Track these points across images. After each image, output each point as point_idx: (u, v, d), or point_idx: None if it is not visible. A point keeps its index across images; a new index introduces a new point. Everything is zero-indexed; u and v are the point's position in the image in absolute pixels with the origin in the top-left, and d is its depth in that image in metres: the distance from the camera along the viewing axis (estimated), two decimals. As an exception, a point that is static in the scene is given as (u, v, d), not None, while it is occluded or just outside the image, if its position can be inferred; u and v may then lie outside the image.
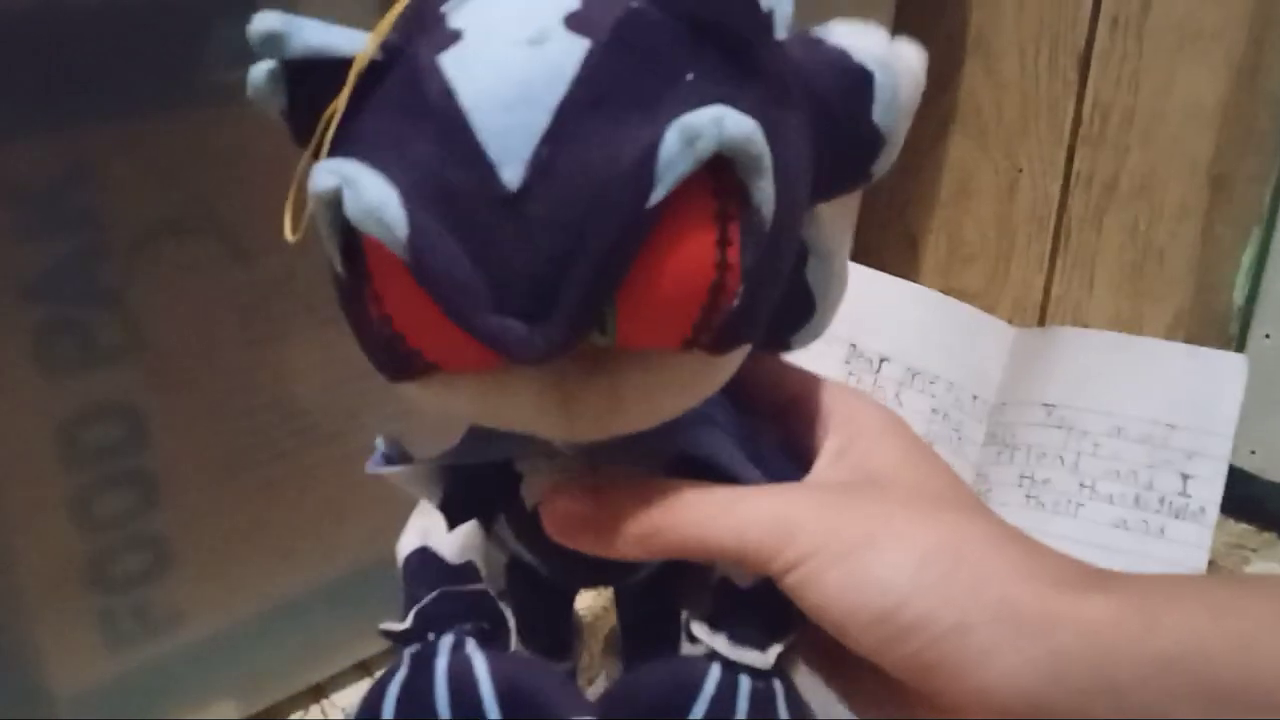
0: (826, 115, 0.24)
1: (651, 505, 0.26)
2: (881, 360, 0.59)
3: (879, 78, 0.25)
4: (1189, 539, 0.53)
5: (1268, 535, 0.61)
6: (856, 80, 0.25)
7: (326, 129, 0.22)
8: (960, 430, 0.59)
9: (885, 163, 0.27)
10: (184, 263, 0.39)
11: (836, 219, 0.28)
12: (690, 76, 0.21)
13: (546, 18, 0.21)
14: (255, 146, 0.39)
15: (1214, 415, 0.54)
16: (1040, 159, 0.67)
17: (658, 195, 0.20)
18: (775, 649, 0.26)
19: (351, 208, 0.21)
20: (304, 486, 0.45)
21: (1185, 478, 0.54)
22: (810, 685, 0.28)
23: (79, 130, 0.36)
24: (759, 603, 0.26)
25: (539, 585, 0.31)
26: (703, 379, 0.24)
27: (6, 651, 0.40)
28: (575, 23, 0.21)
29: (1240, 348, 0.62)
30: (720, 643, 0.26)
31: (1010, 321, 0.64)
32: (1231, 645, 0.23)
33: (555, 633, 0.33)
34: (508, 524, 0.30)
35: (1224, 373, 0.55)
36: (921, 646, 0.24)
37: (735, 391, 0.29)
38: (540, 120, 0.21)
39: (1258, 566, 0.59)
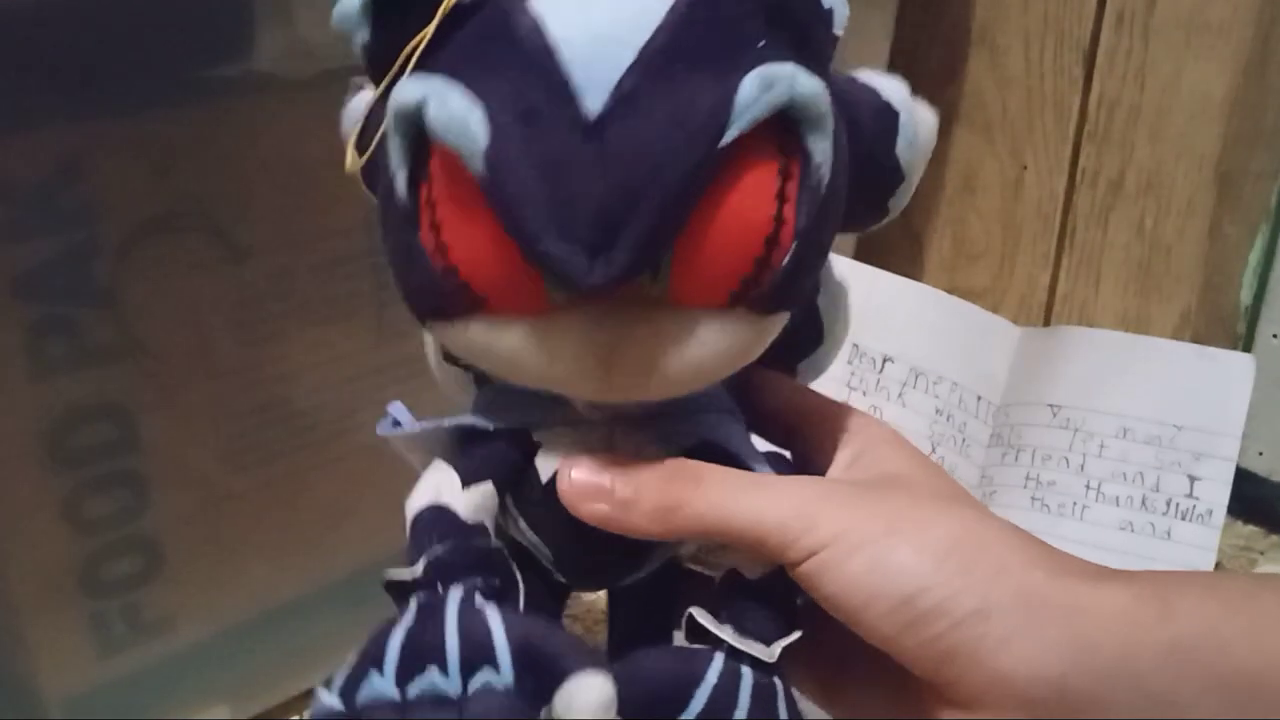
0: (859, 141, 0.26)
1: (672, 480, 0.26)
2: (885, 360, 0.59)
3: (903, 116, 0.27)
4: (1196, 541, 0.53)
5: (1275, 537, 0.61)
6: (885, 113, 0.27)
7: (409, 59, 0.23)
8: (964, 431, 0.59)
9: (901, 199, 0.29)
10: (177, 261, 0.39)
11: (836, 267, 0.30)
12: (762, 44, 0.23)
13: None
14: (249, 144, 0.39)
15: (1221, 416, 0.54)
16: (1045, 156, 0.67)
17: (730, 135, 0.21)
18: (780, 644, 0.26)
19: (436, 116, 0.22)
20: (298, 489, 0.45)
21: (1192, 479, 0.53)
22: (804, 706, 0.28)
23: (70, 127, 0.35)
24: (766, 596, 0.26)
25: (533, 583, 0.31)
26: (741, 343, 0.25)
27: (-3, 655, 0.40)
28: None
29: (1247, 347, 0.61)
30: (726, 633, 0.26)
31: (1015, 319, 0.63)
32: (1244, 634, 0.23)
33: None
34: (516, 504, 0.29)
35: (1231, 373, 0.55)
36: (942, 632, 0.24)
37: (745, 410, 0.29)
38: (625, 56, 0.22)
39: (1265, 569, 0.59)
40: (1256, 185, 0.60)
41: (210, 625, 0.44)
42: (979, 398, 0.59)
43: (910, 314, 0.60)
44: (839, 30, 0.25)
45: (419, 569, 0.26)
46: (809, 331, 0.31)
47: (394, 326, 0.45)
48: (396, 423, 0.29)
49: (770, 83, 0.22)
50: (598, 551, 0.28)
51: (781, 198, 0.23)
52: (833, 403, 0.30)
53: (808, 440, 0.30)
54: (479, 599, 0.25)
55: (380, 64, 0.24)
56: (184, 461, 0.41)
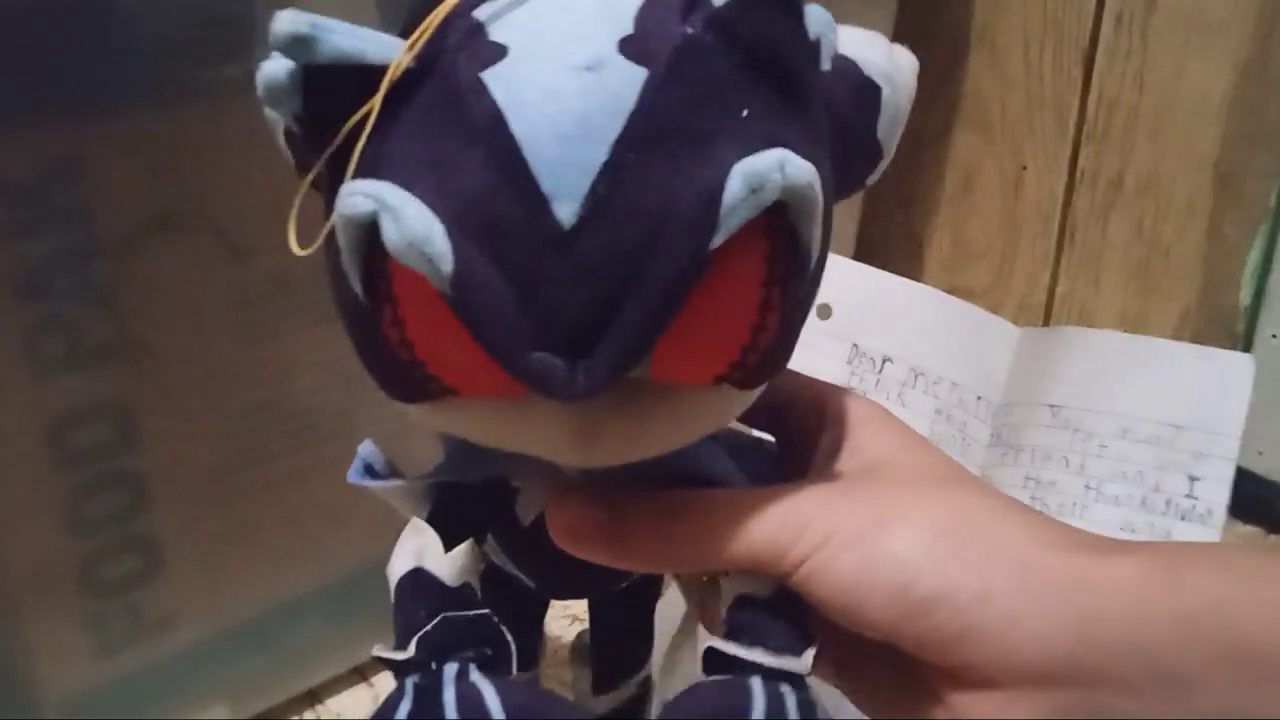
0: (839, 127, 0.25)
1: (664, 515, 0.26)
2: (884, 360, 0.59)
3: (885, 93, 0.26)
4: (1196, 541, 0.53)
5: (1275, 537, 0.61)
6: (867, 94, 0.25)
7: (353, 142, 0.21)
8: (964, 431, 0.59)
9: (878, 174, 0.27)
10: (175, 261, 0.39)
11: None
12: (746, 113, 0.21)
13: (601, 41, 0.20)
14: (248, 143, 0.39)
15: (1221, 416, 0.54)
16: (1045, 156, 0.67)
17: (718, 240, 0.20)
18: (809, 653, 0.26)
19: (392, 237, 0.20)
20: (298, 488, 0.45)
21: (1192, 479, 0.53)
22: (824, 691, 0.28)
23: (69, 126, 0.35)
24: (782, 610, 0.26)
25: (514, 595, 0.31)
26: (725, 411, 0.24)
27: (-3, 655, 0.40)
28: (631, 49, 0.20)
29: (1247, 347, 0.61)
30: (759, 655, 0.25)
31: (1015, 319, 0.63)
32: (1256, 608, 0.23)
33: (524, 644, 0.33)
34: (496, 539, 0.29)
35: (1231, 373, 0.55)
36: (945, 619, 0.24)
37: None
38: (598, 155, 0.20)
39: (1265, 569, 0.59)
40: (1256, 185, 0.60)
41: (210, 625, 0.44)
42: (979, 398, 0.59)
43: (910, 314, 0.60)
44: (826, 65, 0.23)
45: (411, 650, 0.25)
46: None
47: (394, 326, 0.45)
48: (370, 467, 0.28)
49: (759, 183, 0.20)
50: (579, 580, 0.29)
51: (769, 283, 0.21)
52: (816, 382, 0.30)
53: (792, 422, 0.29)
54: (474, 673, 0.25)
55: (311, 139, 0.22)
56: (183, 461, 0.41)
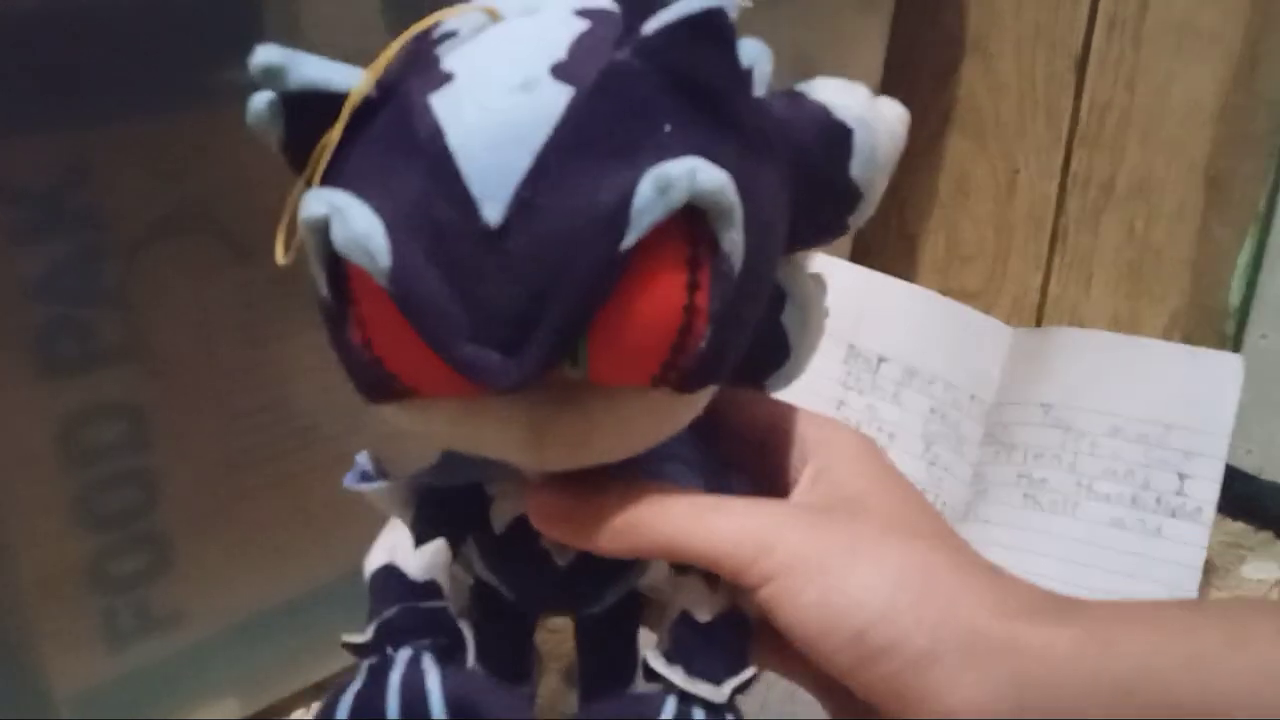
0: (807, 167, 0.26)
1: (632, 502, 0.26)
2: (880, 360, 0.60)
3: (858, 134, 0.27)
4: (1186, 538, 0.53)
5: (1264, 534, 0.62)
6: (836, 135, 0.27)
7: (319, 160, 0.23)
8: (958, 430, 0.59)
9: (862, 215, 0.28)
10: (184, 263, 0.39)
11: (808, 268, 0.30)
12: (668, 127, 0.22)
13: (535, 66, 0.22)
14: (255, 147, 0.39)
15: (1211, 415, 0.55)
16: (1038, 159, 0.67)
17: (630, 240, 0.21)
18: (730, 684, 0.26)
19: (338, 235, 0.22)
20: (305, 486, 0.45)
21: (1182, 477, 0.54)
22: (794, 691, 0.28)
23: (79, 130, 0.36)
24: (716, 638, 0.27)
25: (501, 610, 0.32)
26: (669, 416, 0.25)
27: (7, 651, 0.40)
28: (561, 72, 0.22)
29: (1236, 348, 0.62)
30: (677, 675, 0.26)
31: (1008, 320, 0.64)
32: (1185, 667, 0.24)
33: (515, 657, 0.33)
34: (475, 546, 0.30)
35: (1221, 373, 0.55)
36: (892, 671, 0.24)
37: (710, 422, 0.29)
38: (523, 161, 0.22)
39: (1254, 565, 0.59)
40: (1245, 188, 0.61)
41: (219, 621, 0.45)
42: (972, 397, 0.60)
43: (904, 315, 0.61)
44: (761, 91, 0.24)
45: (369, 633, 0.27)
46: (774, 349, 0.31)
47: (397, 327, 0.45)
48: (365, 474, 0.30)
49: (666, 185, 0.21)
50: (553, 591, 0.30)
51: (693, 286, 0.22)
52: (797, 413, 0.30)
53: (772, 454, 0.30)
54: (425, 660, 0.26)
55: (297, 160, 0.24)
56: (192, 459, 0.42)
